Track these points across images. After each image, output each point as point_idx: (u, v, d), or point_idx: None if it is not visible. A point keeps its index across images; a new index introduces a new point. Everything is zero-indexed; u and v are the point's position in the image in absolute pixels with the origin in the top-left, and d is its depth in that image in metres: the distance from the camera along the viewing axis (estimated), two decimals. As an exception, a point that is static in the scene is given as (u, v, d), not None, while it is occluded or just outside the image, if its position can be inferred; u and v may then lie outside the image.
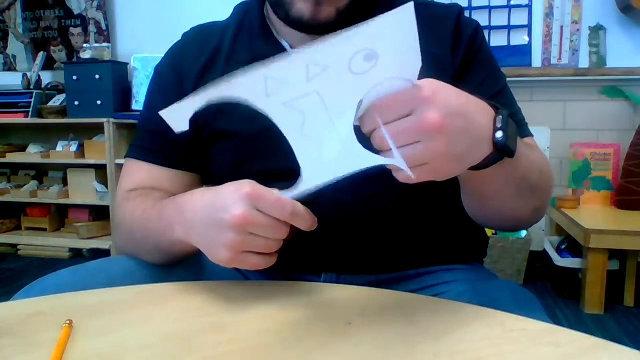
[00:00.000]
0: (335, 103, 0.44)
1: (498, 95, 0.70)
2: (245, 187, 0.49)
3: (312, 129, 0.45)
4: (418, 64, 0.43)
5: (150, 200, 0.65)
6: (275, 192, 0.50)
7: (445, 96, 0.44)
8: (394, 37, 0.41)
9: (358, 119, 0.45)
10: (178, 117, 0.47)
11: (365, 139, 0.45)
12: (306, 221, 0.50)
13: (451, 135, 0.43)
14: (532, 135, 0.71)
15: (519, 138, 0.53)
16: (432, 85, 0.43)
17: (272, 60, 0.42)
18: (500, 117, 0.48)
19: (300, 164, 0.46)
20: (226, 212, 0.49)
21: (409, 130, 0.42)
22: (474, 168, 0.49)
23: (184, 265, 0.65)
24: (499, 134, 0.48)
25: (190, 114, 0.46)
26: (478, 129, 0.46)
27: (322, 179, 0.46)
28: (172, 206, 0.59)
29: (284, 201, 0.49)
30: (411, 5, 0.39)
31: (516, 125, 0.51)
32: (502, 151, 0.48)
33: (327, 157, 0.45)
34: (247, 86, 0.44)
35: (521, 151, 0.52)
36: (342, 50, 0.41)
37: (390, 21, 0.40)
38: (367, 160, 0.44)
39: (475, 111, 0.47)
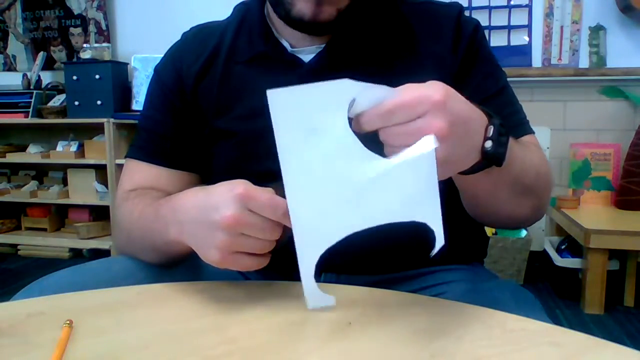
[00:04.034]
0: (340, 172, 0.44)
1: (498, 94, 0.70)
2: (237, 187, 0.49)
3: (370, 202, 0.44)
4: (360, 85, 0.44)
5: (148, 200, 0.65)
6: (268, 190, 0.49)
7: (453, 103, 0.44)
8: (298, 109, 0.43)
9: (353, 116, 0.45)
10: (316, 294, 0.49)
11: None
12: None
13: (451, 143, 0.44)
14: (533, 133, 0.71)
15: (515, 140, 0.53)
16: (442, 90, 0.44)
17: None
18: (492, 126, 0.49)
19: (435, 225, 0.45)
20: (217, 212, 0.48)
21: (415, 132, 0.43)
22: (463, 172, 0.50)
23: (184, 265, 0.65)
24: (488, 144, 0.48)
25: (316, 286, 0.49)
26: (473, 137, 0.47)
27: (436, 211, 0.44)
28: (167, 206, 0.58)
29: (276, 201, 0.48)
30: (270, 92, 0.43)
31: (508, 132, 0.51)
32: (490, 160, 0.49)
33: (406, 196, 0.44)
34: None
35: (515, 155, 0.53)
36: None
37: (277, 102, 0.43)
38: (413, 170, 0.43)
39: (474, 118, 0.47)
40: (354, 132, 0.44)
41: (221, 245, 0.49)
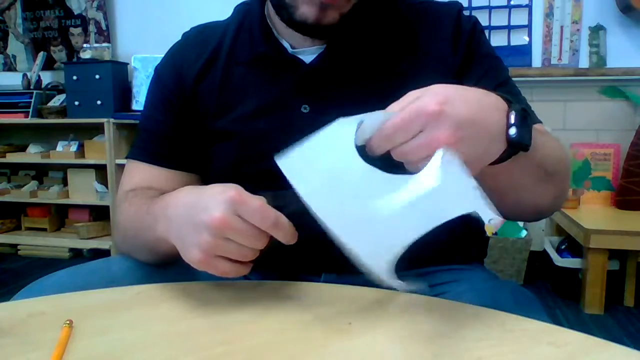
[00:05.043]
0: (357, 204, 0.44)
1: (500, 87, 0.70)
2: (229, 190, 0.48)
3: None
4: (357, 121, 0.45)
5: (144, 199, 0.65)
6: (261, 200, 0.49)
7: (452, 107, 0.43)
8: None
9: (365, 143, 0.45)
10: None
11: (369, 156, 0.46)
12: (286, 234, 0.49)
13: (463, 145, 0.43)
14: (541, 122, 0.70)
15: (534, 127, 0.52)
16: (438, 97, 0.43)
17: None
18: (514, 112, 0.48)
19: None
20: (206, 212, 0.48)
21: (422, 147, 0.43)
22: (490, 163, 0.49)
23: (183, 265, 0.65)
24: (512, 131, 0.47)
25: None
26: (490, 130, 0.46)
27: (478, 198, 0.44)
28: (160, 202, 0.58)
29: (266, 210, 0.48)
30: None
31: (529, 116, 0.50)
32: (516, 147, 0.48)
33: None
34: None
35: (537, 141, 0.51)
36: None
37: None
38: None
39: (485, 112, 0.46)
40: (369, 157, 0.45)
41: (204, 245, 0.48)
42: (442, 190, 0.43)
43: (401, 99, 0.46)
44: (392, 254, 0.47)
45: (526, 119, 0.49)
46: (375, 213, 0.44)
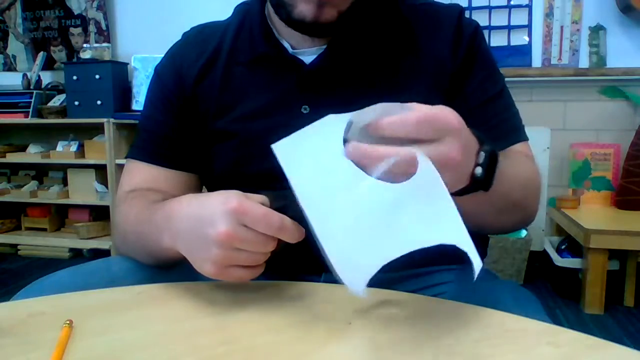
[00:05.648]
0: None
1: (497, 97, 0.70)
2: (231, 200, 0.48)
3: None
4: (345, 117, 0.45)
5: (144, 202, 0.65)
6: (263, 199, 0.49)
7: (464, 129, 0.45)
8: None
9: (368, 127, 0.44)
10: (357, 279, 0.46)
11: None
12: (293, 235, 0.49)
13: (457, 170, 0.45)
14: (527, 140, 0.71)
15: (504, 155, 0.54)
16: (455, 114, 0.44)
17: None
18: (483, 153, 0.49)
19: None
20: (211, 227, 0.48)
21: (434, 156, 0.42)
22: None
23: (184, 266, 0.65)
24: (478, 170, 0.49)
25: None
26: (468, 164, 0.48)
27: (462, 231, 0.45)
28: (161, 211, 0.58)
29: (270, 216, 0.48)
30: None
31: (497, 158, 0.51)
32: (477, 185, 0.49)
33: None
34: None
35: (503, 174, 0.52)
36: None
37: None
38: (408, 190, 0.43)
39: (471, 146, 0.48)
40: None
41: (215, 259, 0.49)
42: (420, 204, 0.42)
43: (411, 104, 0.45)
44: (368, 271, 0.45)
45: (494, 161, 0.50)
46: (352, 210, 0.44)
